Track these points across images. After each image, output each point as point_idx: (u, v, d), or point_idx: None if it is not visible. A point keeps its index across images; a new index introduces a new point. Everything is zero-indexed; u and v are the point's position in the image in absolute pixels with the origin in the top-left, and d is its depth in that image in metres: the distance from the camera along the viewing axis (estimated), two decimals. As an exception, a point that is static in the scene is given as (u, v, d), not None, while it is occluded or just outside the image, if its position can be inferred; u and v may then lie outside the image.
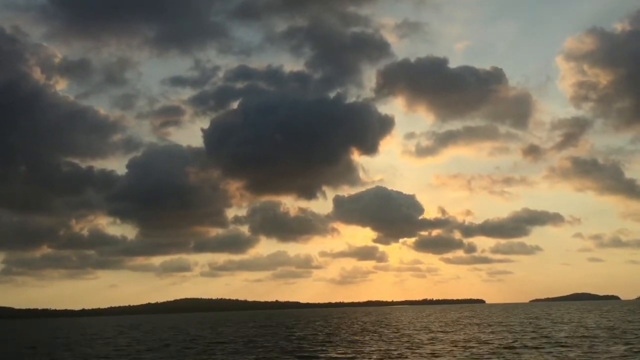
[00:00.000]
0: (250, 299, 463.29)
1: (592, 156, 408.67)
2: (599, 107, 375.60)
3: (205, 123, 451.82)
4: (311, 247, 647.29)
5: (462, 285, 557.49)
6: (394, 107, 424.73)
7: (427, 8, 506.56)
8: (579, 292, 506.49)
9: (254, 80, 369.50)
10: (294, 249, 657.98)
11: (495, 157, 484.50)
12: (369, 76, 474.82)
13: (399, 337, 51.75)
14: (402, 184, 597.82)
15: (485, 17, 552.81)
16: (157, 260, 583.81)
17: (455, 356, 34.14)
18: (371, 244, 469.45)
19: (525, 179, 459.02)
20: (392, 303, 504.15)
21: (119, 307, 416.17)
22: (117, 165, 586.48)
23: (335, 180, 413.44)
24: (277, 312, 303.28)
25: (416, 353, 36.48)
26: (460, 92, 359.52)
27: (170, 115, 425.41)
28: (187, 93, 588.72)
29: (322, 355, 37.27)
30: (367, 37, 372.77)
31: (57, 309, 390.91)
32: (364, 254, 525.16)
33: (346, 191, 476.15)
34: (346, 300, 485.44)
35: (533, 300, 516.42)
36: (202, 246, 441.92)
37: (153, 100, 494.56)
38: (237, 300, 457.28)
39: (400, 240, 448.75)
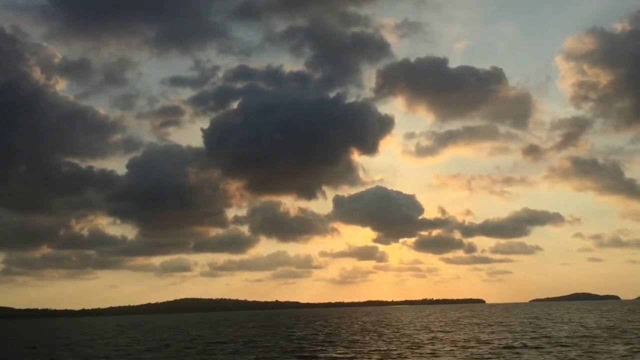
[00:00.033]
0: (250, 299, 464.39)
1: (592, 156, 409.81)
2: (599, 107, 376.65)
3: (205, 123, 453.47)
4: (311, 247, 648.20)
5: (462, 285, 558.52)
6: (394, 107, 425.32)
7: (427, 8, 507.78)
8: (579, 292, 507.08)
9: (254, 80, 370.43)
10: (294, 249, 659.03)
11: (495, 157, 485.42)
12: (369, 76, 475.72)
13: (399, 337, 51.74)
14: (402, 184, 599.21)
15: (485, 17, 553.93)
16: (157, 260, 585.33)
17: (455, 356, 34.13)
18: (371, 244, 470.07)
19: (525, 179, 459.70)
20: (392, 303, 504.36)
21: (119, 307, 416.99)
22: (117, 165, 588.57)
23: (335, 180, 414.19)
24: (277, 312, 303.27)
25: (416, 353, 36.47)
26: (460, 92, 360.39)
27: (170, 115, 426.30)
28: (187, 93, 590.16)
29: (322, 355, 37.26)
30: (367, 37, 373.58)
31: (57, 309, 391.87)
32: (364, 254, 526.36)
33: (346, 191, 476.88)
34: (346, 300, 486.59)
35: (533, 300, 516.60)
36: (202, 246, 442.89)
37: (153, 100, 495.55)
38: (237, 300, 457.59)
39: (400, 240, 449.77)
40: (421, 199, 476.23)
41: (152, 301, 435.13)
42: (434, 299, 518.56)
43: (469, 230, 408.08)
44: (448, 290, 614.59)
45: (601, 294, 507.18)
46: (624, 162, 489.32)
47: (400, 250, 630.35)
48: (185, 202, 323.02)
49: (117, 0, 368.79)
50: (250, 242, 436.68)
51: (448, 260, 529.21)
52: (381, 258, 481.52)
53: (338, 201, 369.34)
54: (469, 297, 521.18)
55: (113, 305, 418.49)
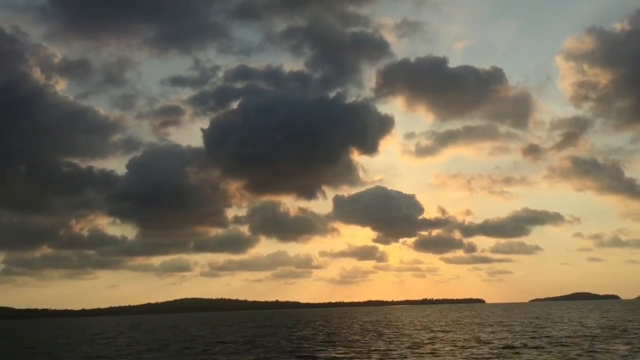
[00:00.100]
0: (250, 299, 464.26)
1: (592, 156, 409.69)
2: (599, 107, 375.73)
3: (205, 123, 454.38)
4: (311, 247, 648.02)
5: (462, 285, 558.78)
6: (394, 106, 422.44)
7: (426, 8, 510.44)
8: (579, 291, 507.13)
9: (254, 80, 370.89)
10: (294, 249, 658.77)
11: (495, 157, 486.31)
12: (369, 76, 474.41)
13: (399, 337, 51.73)
14: (402, 184, 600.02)
15: (485, 16, 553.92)
16: (157, 260, 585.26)
17: (455, 356, 34.11)
18: (371, 243, 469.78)
19: (525, 178, 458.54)
20: (392, 303, 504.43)
21: (119, 307, 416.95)
22: (117, 165, 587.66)
23: (335, 180, 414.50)
24: (277, 312, 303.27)
25: (416, 353, 36.45)
26: (460, 92, 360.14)
27: (170, 115, 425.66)
28: (187, 93, 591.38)
29: (322, 355, 37.24)
30: (367, 37, 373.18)
31: (57, 309, 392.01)
32: (364, 253, 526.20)
33: (346, 191, 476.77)
34: (346, 300, 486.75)
35: (533, 300, 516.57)
36: (202, 246, 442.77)
37: (153, 100, 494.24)
38: (237, 300, 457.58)
39: (400, 240, 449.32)
40: (421, 198, 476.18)
41: (152, 301, 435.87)
42: (434, 298, 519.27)
43: (469, 230, 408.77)
44: (448, 290, 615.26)
45: (601, 293, 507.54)
46: (624, 161, 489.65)
47: (400, 250, 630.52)
48: (185, 202, 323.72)
49: (117, 0, 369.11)
50: (250, 242, 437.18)
51: (448, 260, 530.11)
52: (381, 258, 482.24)
53: (338, 201, 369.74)
54: (469, 297, 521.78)
55: (113, 305, 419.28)
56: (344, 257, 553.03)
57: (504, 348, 37.35)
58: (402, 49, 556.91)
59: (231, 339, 56.79)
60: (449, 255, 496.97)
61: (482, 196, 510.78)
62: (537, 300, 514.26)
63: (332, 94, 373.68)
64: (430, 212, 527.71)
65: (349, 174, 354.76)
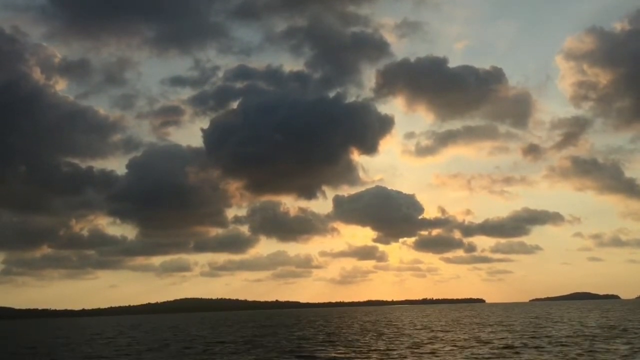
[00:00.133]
0: (250, 299, 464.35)
1: (592, 155, 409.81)
2: (599, 107, 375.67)
3: (205, 123, 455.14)
4: (311, 247, 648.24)
5: (462, 285, 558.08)
6: (394, 106, 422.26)
7: (426, 7, 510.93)
8: (579, 291, 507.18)
9: (254, 80, 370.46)
10: (294, 248, 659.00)
11: (495, 157, 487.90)
12: (369, 76, 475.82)
13: (399, 336, 51.72)
14: (402, 184, 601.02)
15: (485, 16, 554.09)
16: (157, 260, 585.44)
17: (455, 356, 34.10)
18: (371, 243, 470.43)
19: (525, 178, 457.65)
20: (392, 303, 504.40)
21: (119, 307, 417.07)
22: (117, 165, 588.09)
23: (335, 180, 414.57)
24: (277, 312, 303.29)
25: (416, 353, 36.44)
26: (460, 92, 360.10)
27: (170, 115, 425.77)
28: (187, 93, 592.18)
29: (322, 355, 37.23)
30: (367, 37, 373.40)
31: (57, 309, 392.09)
32: (364, 253, 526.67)
33: (346, 191, 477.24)
34: (346, 300, 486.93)
35: (533, 300, 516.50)
36: (202, 246, 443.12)
37: (153, 100, 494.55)
38: (237, 300, 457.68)
39: (400, 239, 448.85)
40: (421, 198, 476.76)
41: (152, 301, 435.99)
42: (434, 298, 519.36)
43: (469, 230, 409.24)
44: (448, 289, 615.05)
45: (601, 293, 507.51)
46: (624, 161, 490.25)
47: (400, 250, 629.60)
48: (185, 202, 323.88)
49: (117, 0, 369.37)
50: (250, 242, 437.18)
51: (448, 260, 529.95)
52: (381, 258, 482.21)
53: (338, 201, 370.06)
54: (469, 297, 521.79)
55: (113, 305, 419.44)
56: (344, 257, 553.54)
57: (504, 348, 37.34)
58: (402, 49, 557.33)
59: (231, 339, 56.78)
60: (449, 255, 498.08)
61: (482, 196, 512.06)
62: (537, 300, 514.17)
63: (332, 94, 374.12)
64: (430, 212, 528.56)
65: (349, 173, 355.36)
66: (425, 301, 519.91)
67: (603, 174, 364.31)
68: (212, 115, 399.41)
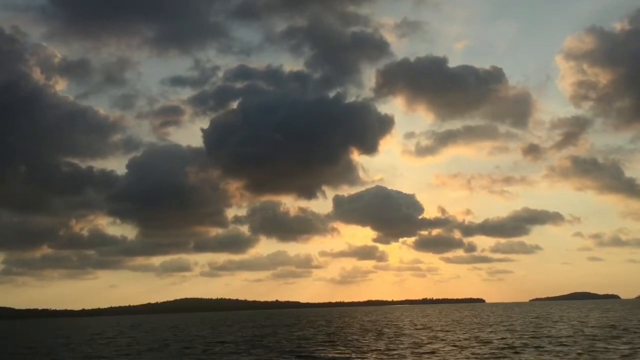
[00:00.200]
0: (250, 299, 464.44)
1: (591, 155, 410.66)
2: (599, 107, 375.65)
3: (205, 123, 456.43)
4: (311, 246, 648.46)
5: (462, 285, 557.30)
6: (394, 106, 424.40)
7: (426, 7, 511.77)
8: (579, 291, 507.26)
9: (254, 80, 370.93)
10: (294, 248, 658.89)
11: (495, 157, 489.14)
12: (369, 76, 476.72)
13: (399, 336, 51.71)
14: (401, 184, 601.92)
15: (485, 16, 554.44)
16: (157, 260, 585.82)
17: (455, 356, 34.09)
18: (371, 243, 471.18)
19: (525, 178, 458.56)
20: (392, 302, 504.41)
21: (119, 307, 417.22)
22: (117, 165, 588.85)
23: (335, 180, 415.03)
24: (277, 312, 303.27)
25: (416, 352, 36.42)
26: (459, 92, 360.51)
27: (170, 115, 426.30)
28: (187, 93, 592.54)
29: (322, 355, 37.22)
30: (367, 37, 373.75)
31: (57, 309, 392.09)
32: (364, 253, 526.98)
33: (346, 191, 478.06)
34: (346, 300, 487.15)
35: (533, 300, 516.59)
36: (202, 246, 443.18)
37: (153, 100, 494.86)
38: (237, 300, 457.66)
39: (400, 239, 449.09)
40: (421, 198, 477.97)
41: (152, 301, 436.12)
42: (434, 298, 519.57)
43: (469, 230, 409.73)
44: (448, 289, 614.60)
45: (601, 293, 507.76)
46: (624, 161, 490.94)
47: (400, 250, 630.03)
48: (185, 202, 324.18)
49: (117, 0, 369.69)
50: (250, 242, 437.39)
51: (448, 260, 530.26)
52: (381, 258, 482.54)
53: (338, 201, 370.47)
54: (469, 297, 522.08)
55: (113, 305, 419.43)
56: (344, 257, 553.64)
57: (504, 348, 37.33)
58: (402, 48, 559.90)
59: (231, 339, 56.78)
60: (449, 254, 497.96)
61: (482, 196, 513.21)
62: (537, 299, 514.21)
63: (332, 94, 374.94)
64: (430, 212, 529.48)
65: (349, 173, 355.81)
66: (425, 301, 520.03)
67: (603, 173, 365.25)
68: (212, 115, 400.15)
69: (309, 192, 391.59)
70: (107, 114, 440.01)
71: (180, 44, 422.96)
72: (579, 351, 33.92)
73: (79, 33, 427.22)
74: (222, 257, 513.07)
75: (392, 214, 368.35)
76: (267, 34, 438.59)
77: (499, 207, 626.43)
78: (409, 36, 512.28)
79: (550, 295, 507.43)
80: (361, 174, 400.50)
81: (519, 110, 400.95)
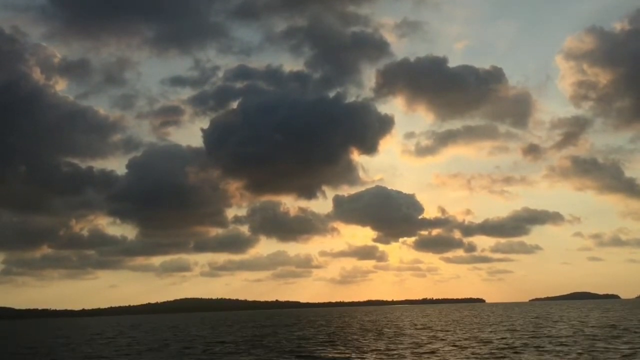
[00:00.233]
0: (250, 298, 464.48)
1: (591, 155, 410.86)
2: (599, 107, 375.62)
3: (205, 123, 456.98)
4: (311, 246, 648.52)
5: (462, 285, 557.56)
6: (394, 106, 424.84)
7: (426, 7, 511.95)
8: (579, 291, 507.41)
9: (254, 80, 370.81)
10: (294, 248, 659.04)
11: (495, 157, 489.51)
12: (369, 76, 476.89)
13: (399, 336, 51.70)
14: (401, 184, 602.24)
15: (485, 16, 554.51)
16: (157, 260, 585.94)
17: (455, 356, 34.08)
18: (371, 243, 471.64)
19: (525, 178, 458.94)
20: (392, 302, 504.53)
21: (119, 307, 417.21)
22: (117, 165, 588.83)
23: (335, 180, 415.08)
24: (277, 312, 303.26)
25: (416, 352, 36.41)
26: (460, 92, 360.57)
27: (170, 115, 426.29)
28: (187, 93, 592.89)
29: (322, 355, 37.21)
30: (367, 37, 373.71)
31: (57, 309, 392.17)
32: (364, 253, 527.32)
33: (346, 191, 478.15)
34: (346, 300, 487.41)
35: (533, 300, 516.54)
36: (202, 246, 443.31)
37: (153, 100, 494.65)
38: (237, 300, 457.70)
39: (400, 239, 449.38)
40: (421, 198, 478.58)
41: (152, 301, 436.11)
42: (434, 298, 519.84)
43: (469, 230, 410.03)
44: (448, 289, 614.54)
45: (601, 293, 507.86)
46: (624, 161, 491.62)
47: (400, 250, 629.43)
48: (185, 202, 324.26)
49: (116, 0, 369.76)
50: (250, 242, 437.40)
51: (448, 260, 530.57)
52: (381, 257, 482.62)
53: (338, 201, 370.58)
54: (469, 297, 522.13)
55: (113, 305, 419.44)
56: (344, 257, 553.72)
57: (504, 348, 37.31)
58: (402, 48, 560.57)
59: (231, 339, 56.77)
60: (449, 254, 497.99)
61: (482, 196, 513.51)
62: (537, 299, 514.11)
63: (332, 94, 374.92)
64: (430, 212, 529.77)
65: (348, 173, 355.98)
66: (425, 301, 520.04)
67: (603, 173, 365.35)
68: (212, 115, 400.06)
69: (309, 192, 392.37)
70: (107, 114, 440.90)
71: (180, 44, 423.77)
72: (579, 351, 33.90)
73: (79, 33, 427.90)
74: (222, 257, 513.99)
75: (392, 214, 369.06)
76: (267, 34, 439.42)
77: (499, 207, 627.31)
78: (409, 36, 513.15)
79: (550, 295, 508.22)
80: (361, 174, 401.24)
81: (519, 110, 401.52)
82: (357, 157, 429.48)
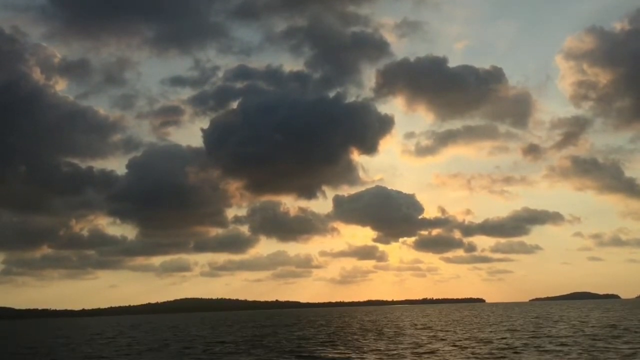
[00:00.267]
0: (250, 298, 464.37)
1: (591, 155, 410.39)
2: (599, 106, 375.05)
3: (205, 123, 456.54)
4: (311, 246, 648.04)
5: (462, 285, 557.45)
6: (394, 106, 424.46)
7: (426, 7, 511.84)
8: (579, 291, 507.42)
9: (254, 80, 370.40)
10: (294, 248, 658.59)
11: (495, 157, 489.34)
12: (369, 76, 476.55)
13: (399, 336, 51.69)
14: (401, 184, 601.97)
15: (485, 16, 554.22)
16: (157, 260, 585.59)
17: (455, 356, 34.07)
18: (371, 243, 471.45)
19: (525, 178, 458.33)
20: (392, 302, 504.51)
21: (119, 307, 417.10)
22: (117, 165, 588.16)
23: (335, 180, 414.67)
24: (277, 312, 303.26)
25: (416, 352, 36.40)
26: (460, 92, 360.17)
27: (170, 115, 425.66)
28: (187, 93, 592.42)
29: (322, 355, 37.20)
30: (367, 37, 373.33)
31: (57, 309, 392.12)
32: (364, 253, 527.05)
33: (346, 191, 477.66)
34: (346, 300, 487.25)
35: (533, 300, 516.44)
36: (202, 246, 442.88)
37: (153, 100, 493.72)
38: (237, 300, 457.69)
39: (400, 239, 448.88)
40: (421, 198, 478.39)
41: (152, 301, 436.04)
42: (434, 298, 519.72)
43: (469, 230, 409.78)
44: (448, 289, 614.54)
45: (601, 293, 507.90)
46: (624, 161, 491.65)
47: (400, 250, 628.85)
48: (185, 202, 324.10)
49: (116, 0, 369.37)
50: (250, 242, 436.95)
51: (448, 260, 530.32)
52: (381, 257, 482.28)
53: (338, 201, 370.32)
54: (469, 297, 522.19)
55: (113, 305, 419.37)
56: (344, 257, 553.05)
57: (504, 348, 37.30)
58: (402, 48, 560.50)
59: (231, 339, 56.76)
60: (449, 254, 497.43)
61: (482, 196, 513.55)
62: (537, 299, 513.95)
63: (332, 94, 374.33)
64: (430, 212, 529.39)
65: (348, 173, 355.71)
66: (425, 301, 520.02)
67: (603, 173, 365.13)
68: (212, 115, 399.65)
69: (309, 192, 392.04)
70: (107, 114, 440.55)
71: (180, 44, 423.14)
72: (580, 351, 33.89)
73: (79, 33, 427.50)
74: (222, 257, 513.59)
75: (392, 214, 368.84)
76: (267, 34, 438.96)
77: (499, 207, 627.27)
78: (409, 36, 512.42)
79: (550, 295, 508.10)
80: (361, 174, 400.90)
81: (519, 110, 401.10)
82: (357, 157, 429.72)
